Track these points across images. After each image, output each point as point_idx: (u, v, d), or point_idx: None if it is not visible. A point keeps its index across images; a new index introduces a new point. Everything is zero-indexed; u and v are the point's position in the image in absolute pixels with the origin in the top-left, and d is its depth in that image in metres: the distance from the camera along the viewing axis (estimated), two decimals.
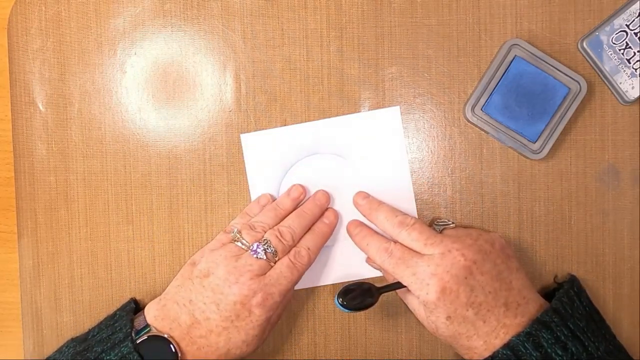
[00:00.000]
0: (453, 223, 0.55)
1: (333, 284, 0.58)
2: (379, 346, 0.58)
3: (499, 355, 0.48)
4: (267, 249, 0.51)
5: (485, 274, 0.49)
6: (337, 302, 0.51)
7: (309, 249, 0.53)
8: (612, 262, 0.57)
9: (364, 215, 0.56)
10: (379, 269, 0.56)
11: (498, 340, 0.49)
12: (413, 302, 0.53)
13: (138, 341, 0.50)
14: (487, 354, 0.49)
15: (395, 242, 0.53)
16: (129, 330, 0.50)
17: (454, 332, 0.49)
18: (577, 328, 0.49)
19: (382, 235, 0.54)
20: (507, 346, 0.48)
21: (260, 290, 0.50)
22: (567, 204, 0.57)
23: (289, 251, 0.53)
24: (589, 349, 0.48)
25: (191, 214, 0.58)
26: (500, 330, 0.49)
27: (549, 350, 0.47)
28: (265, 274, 0.51)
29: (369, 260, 0.56)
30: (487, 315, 0.49)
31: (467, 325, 0.49)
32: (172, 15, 0.57)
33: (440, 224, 0.55)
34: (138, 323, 0.52)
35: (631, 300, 0.57)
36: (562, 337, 0.48)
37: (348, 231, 0.57)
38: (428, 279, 0.49)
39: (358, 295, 0.52)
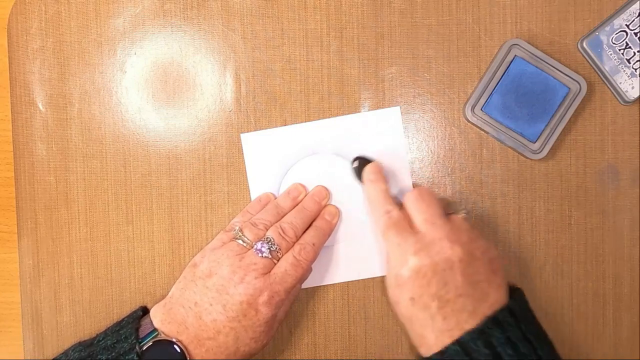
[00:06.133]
0: (466, 213, 0.54)
1: (333, 284, 0.58)
2: (379, 346, 0.58)
3: (449, 351, 0.47)
4: (271, 247, 0.51)
5: (465, 276, 0.49)
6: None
7: (313, 244, 0.53)
8: (612, 262, 0.57)
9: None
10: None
11: (450, 339, 0.48)
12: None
13: (145, 347, 0.49)
14: (436, 348, 0.48)
15: (402, 208, 0.52)
16: (134, 340, 0.49)
17: (412, 315, 0.49)
18: (529, 331, 0.48)
19: (390, 197, 0.53)
20: (458, 342, 0.47)
21: (267, 289, 0.50)
22: (567, 204, 0.57)
23: (291, 247, 0.52)
24: (538, 352, 0.47)
25: (191, 214, 0.58)
26: (456, 331, 0.48)
27: (499, 349, 0.47)
28: (270, 271, 0.51)
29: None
30: (449, 315, 0.48)
31: (425, 314, 0.48)
32: (172, 15, 0.57)
33: (452, 207, 0.54)
34: (144, 328, 0.51)
35: (631, 300, 0.56)
36: (514, 338, 0.47)
37: (366, 174, 0.55)
38: (409, 255, 0.49)
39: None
